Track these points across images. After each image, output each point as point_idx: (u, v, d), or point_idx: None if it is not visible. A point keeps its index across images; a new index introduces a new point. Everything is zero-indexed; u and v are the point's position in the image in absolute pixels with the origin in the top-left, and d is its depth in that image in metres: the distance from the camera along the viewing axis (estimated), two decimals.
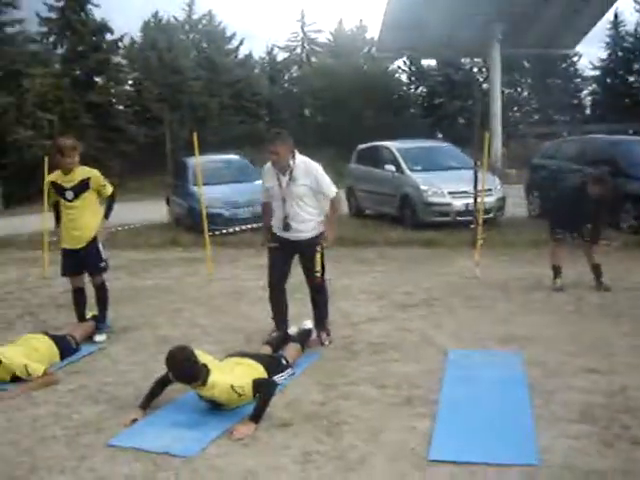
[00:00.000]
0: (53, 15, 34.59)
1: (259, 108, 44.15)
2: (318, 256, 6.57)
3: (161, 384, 5.20)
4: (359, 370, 5.94)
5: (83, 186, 7.10)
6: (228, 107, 41.21)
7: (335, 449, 4.43)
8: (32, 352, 6.16)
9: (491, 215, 14.11)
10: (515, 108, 48.25)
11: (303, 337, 6.50)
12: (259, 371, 5.35)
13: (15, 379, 5.84)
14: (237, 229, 14.46)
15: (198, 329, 7.51)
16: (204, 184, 15.56)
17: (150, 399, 5.16)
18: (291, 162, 6.36)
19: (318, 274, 6.61)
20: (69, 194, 7.11)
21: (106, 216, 7.40)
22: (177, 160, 18.54)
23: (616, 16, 44.96)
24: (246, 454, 4.38)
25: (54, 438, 4.75)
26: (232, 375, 5.04)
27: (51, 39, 34.98)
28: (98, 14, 35.50)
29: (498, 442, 4.45)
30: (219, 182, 15.44)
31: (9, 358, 5.87)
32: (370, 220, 16.59)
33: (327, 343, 6.63)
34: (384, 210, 16.29)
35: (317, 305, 6.83)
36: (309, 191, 6.41)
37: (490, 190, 14.27)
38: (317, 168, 6.48)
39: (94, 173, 7.23)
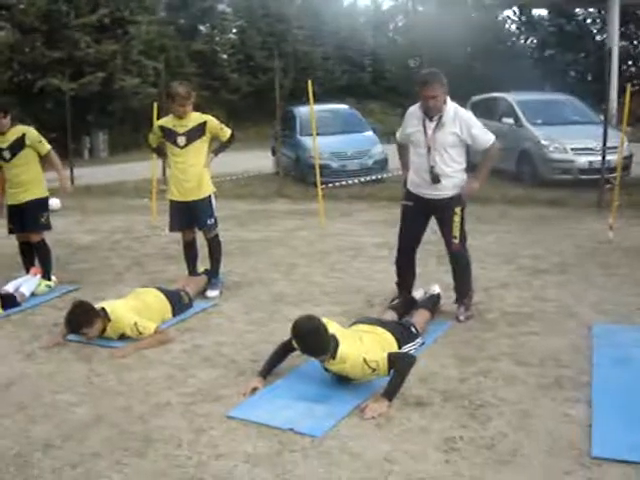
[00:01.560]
0: None
1: (363, 58, 43.15)
2: (457, 219, 5.86)
3: (283, 351, 4.78)
4: (497, 343, 5.37)
5: (198, 131, 6.68)
6: (332, 57, 40.36)
7: (482, 436, 3.90)
8: (143, 308, 5.85)
9: (614, 174, 13.10)
10: (630, 62, 45.63)
11: (431, 303, 5.94)
12: (389, 341, 4.86)
13: (124, 337, 5.54)
14: (346, 182, 13.89)
15: (315, 287, 7.06)
16: (310, 135, 15.16)
17: (271, 366, 4.74)
18: (442, 107, 5.67)
19: (456, 240, 5.90)
20: (181, 140, 6.69)
21: (216, 152, 7.02)
22: (284, 109, 18.09)
23: None
24: (381, 437, 3.90)
25: (169, 405, 4.39)
26: (363, 346, 4.53)
27: None
28: None
29: None
30: (327, 133, 14.88)
31: (118, 316, 5.56)
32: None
33: (462, 319, 5.92)
34: (500, 166, 15.41)
35: (455, 275, 6.12)
36: (457, 141, 5.72)
37: (616, 147, 13.27)
38: (469, 116, 5.83)
39: (209, 117, 6.81)
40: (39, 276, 7.16)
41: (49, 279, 7.25)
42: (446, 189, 5.80)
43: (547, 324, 5.80)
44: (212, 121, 6.79)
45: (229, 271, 7.54)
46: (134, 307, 5.78)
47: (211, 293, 6.81)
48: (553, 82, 40.41)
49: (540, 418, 4.11)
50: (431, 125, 5.68)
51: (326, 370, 4.55)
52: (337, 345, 4.41)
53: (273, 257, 8.48)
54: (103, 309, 5.60)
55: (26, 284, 6.96)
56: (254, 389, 4.50)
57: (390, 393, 4.25)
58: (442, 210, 5.87)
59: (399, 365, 4.34)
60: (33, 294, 6.94)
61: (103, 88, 24.92)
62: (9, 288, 6.85)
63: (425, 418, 4.11)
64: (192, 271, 7.08)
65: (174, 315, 6.13)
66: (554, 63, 43.67)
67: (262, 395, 4.45)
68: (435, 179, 5.72)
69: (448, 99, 5.70)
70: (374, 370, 4.33)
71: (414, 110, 5.83)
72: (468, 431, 3.95)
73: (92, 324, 5.45)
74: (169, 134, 6.71)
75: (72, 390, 4.68)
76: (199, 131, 6.68)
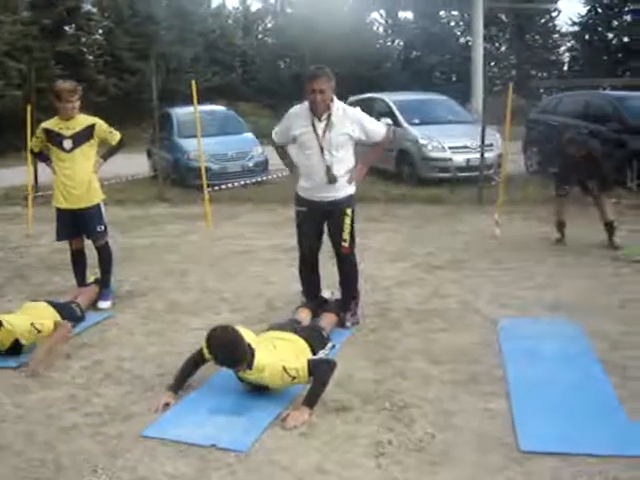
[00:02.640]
0: None
1: (233, 59, 42.86)
2: (348, 220, 5.68)
3: (194, 363, 4.55)
4: (405, 342, 5.35)
5: (85, 134, 6.33)
6: (201, 58, 39.88)
7: (409, 439, 3.83)
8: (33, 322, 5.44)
9: (491, 171, 13.50)
10: (493, 63, 47.39)
11: (337, 306, 5.82)
12: (302, 347, 4.71)
13: (14, 348, 5.14)
14: (229, 185, 13.64)
15: (212, 294, 6.83)
16: (188, 137, 14.86)
17: (182, 380, 4.50)
18: (330, 105, 5.52)
19: (346, 243, 5.72)
20: (67, 143, 6.31)
21: (104, 157, 6.66)
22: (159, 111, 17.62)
23: None
24: (309, 447, 3.76)
25: (76, 428, 4.08)
26: (278, 354, 4.38)
27: None
28: None
29: (593, 429, 3.89)
30: (206, 134, 14.50)
31: (9, 320, 5.17)
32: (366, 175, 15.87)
33: (349, 324, 5.73)
34: (380, 166, 15.59)
35: (342, 279, 5.93)
36: (348, 141, 5.55)
37: (491, 145, 13.68)
38: (357, 111, 5.70)
39: (97, 120, 6.47)
40: None
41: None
42: (338, 190, 5.61)
43: (452, 320, 5.83)
44: (100, 124, 6.45)
45: (120, 280, 7.19)
46: (24, 321, 5.37)
47: (103, 304, 6.46)
48: (420, 83, 41.51)
49: (463, 415, 4.10)
50: (321, 125, 5.48)
51: (241, 380, 4.37)
52: (253, 354, 4.24)
53: (164, 264, 8.17)
54: None
55: None
56: (166, 405, 4.26)
57: (311, 400, 4.11)
58: (333, 212, 5.67)
59: (320, 371, 4.21)
60: None
61: None
62: None
63: (349, 424, 4.01)
64: (81, 282, 6.70)
65: None
66: (420, 64, 44.83)
67: (176, 411, 4.21)
68: (332, 180, 5.51)
69: (335, 98, 5.55)
70: (294, 378, 4.18)
71: (300, 110, 5.61)
72: (395, 434, 3.87)
73: None
74: (54, 137, 6.31)
75: None
76: (87, 134, 6.33)
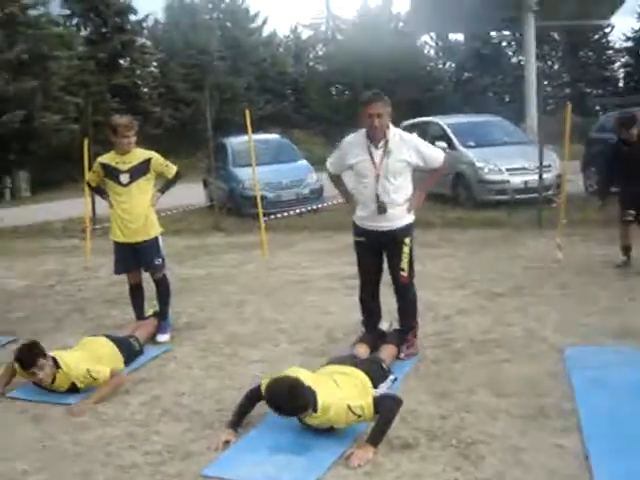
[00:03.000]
0: None
1: (285, 87, 43.27)
2: (407, 249, 5.54)
3: (251, 400, 4.44)
4: (469, 374, 5.17)
5: (142, 168, 6.33)
6: (254, 87, 40.33)
7: (478, 478, 3.67)
8: (93, 359, 5.42)
9: (550, 192, 13.23)
10: (546, 82, 46.89)
11: (396, 337, 5.68)
12: (363, 381, 4.58)
13: (74, 389, 5.13)
14: (286, 213, 13.62)
15: (270, 325, 6.75)
16: (243, 166, 14.92)
17: (241, 417, 4.40)
18: (387, 131, 5.42)
19: (404, 272, 5.57)
20: (124, 177, 6.33)
21: (161, 190, 6.65)
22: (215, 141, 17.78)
23: None
24: None
25: (136, 467, 4.01)
26: (340, 391, 4.26)
27: (74, 21, 34.24)
28: None
29: None
30: (260, 163, 14.59)
31: (68, 363, 5.15)
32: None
33: (403, 356, 5.55)
34: (436, 190, 15.42)
35: (400, 309, 5.77)
36: (406, 168, 5.43)
37: (549, 166, 13.43)
38: (414, 137, 5.60)
39: (154, 154, 6.48)
40: None
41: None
42: (396, 218, 5.47)
43: (516, 350, 5.64)
44: (157, 158, 6.46)
45: (177, 312, 7.15)
46: (84, 358, 5.37)
47: (162, 337, 6.43)
48: (473, 104, 41.27)
49: (533, 452, 3.92)
50: (378, 152, 5.36)
51: (305, 425, 4.23)
52: (315, 397, 4.10)
53: (220, 295, 8.14)
54: (53, 358, 5.19)
55: None
56: (226, 442, 4.17)
57: (376, 439, 3.97)
58: (392, 241, 5.54)
59: (385, 408, 4.08)
60: None
61: (23, 126, 24.13)
62: None
63: (415, 462, 3.86)
64: (140, 315, 6.69)
65: (126, 364, 5.71)
66: (472, 86, 44.62)
67: (236, 449, 4.11)
68: (381, 209, 5.39)
69: (391, 124, 5.45)
70: (360, 416, 4.06)
71: (355, 138, 5.50)
72: (463, 474, 3.71)
73: (41, 366, 5.04)
74: (111, 171, 6.34)
75: (23, 457, 4.25)
76: (143, 168, 6.34)
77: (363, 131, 5.44)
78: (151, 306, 6.83)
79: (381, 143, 5.37)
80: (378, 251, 5.62)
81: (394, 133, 5.42)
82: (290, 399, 4.02)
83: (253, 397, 4.44)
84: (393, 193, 5.41)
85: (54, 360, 5.16)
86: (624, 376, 4.97)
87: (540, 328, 6.17)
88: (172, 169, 6.55)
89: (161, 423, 4.61)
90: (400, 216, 5.49)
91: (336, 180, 5.91)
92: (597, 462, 3.74)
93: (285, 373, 4.31)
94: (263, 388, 4.27)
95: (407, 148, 5.41)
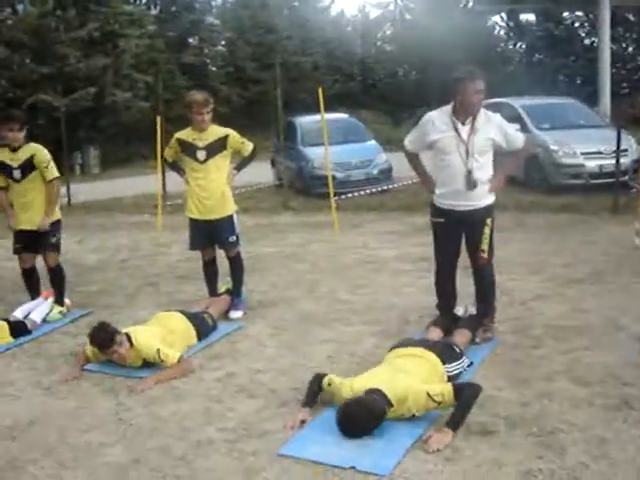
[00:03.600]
0: None
1: (352, 67, 42.93)
2: (487, 230, 5.47)
3: (319, 383, 4.41)
4: (549, 360, 5.05)
5: (219, 145, 6.34)
6: (321, 67, 40.14)
7: (561, 467, 3.57)
8: (167, 334, 5.48)
9: (626, 178, 12.85)
10: (619, 65, 45.61)
11: (472, 322, 5.57)
12: (433, 362, 4.53)
13: (148, 364, 5.17)
14: (356, 193, 13.55)
15: (342, 305, 6.71)
16: (313, 145, 14.88)
17: (314, 395, 4.38)
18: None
19: (485, 254, 5.50)
20: (201, 154, 6.34)
21: (238, 168, 6.65)
22: (284, 120, 17.78)
23: None
24: (453, 472, 3.56)
25: (212, 443, 4.02)
26: (412, 376, 4.21)
27: (144, 0, 34.61)
28: None
29: None
30: (330, 143, 14.49)
31: (141, 342, 5.19)
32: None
33: (479, 340, 5.45)
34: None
35: (478, 292, 5.71)
36: (491, 147, 5.34)
37: (626, 150, 13.03)
38: (501, 118, 5.45)
39: (231, 131, 6.47)
40: (51, 300, 6.77)
41: (62, 304, 6.86)
42: (480, 198, 5.40)
43: (595, 338, 5.48)
44: (234, 135, 6.44)
45: (249, 290, 7.15)
46: (157, 333, 5.42)
47: (235, 314, 6.45)
48: (544, 86, 40.44)
49: (617, 444, 3.79)
50: (465, 129, 5.27)
51: None
52: (387, 398, 4.01)
53: (292, 273, 8.14)
54: (126, 334, 5.25)
55: (37, 310, 6.59)
56: (302, 422, 4.15)
57: (456, 423, 3.90)
58: (473, 222, 5.46)
59: (465, 395, 4.01)
60: (44, 320, 6.55)
61: (94, 103, 24.50)
62: (18, 314, 6.48)
63: (494, 449, 3.78)
64: (213, 291, 6.72)
65: (199, 340, 5.76)
66: (543, 67, 43.64)
67: (312, 429, 4.09)
68: (473, 185, 5.29)
69: None
70: (440, 403, 4.00)
71: (439, 115, 5.39)
72: (546, 462, 3.61)
73: (120, 343, 5.10)
74: (188, 148, 6.36)
75: (101, 429, 4.31)
76: (220, 145, 6.34)
77: (448, 107, 5.35)
78: (225, 283, 6.85)
79: (468, 120, 5.28)
80: (458, 232, 5.53)
81: (481, 112, 5.31)
82: (366, 421, 3.94)
83: (321, 378, 4.41)
84: (478, 170, 5.32)
85: (127, 336, 5.22)
86: None
87: (619, 316, 5.98)
88: (249, 146, 6.53)
89: (236, 400, 4.62)
90: (483, 196, 5.41)
91: (414, 159, 5.79)
92: None
93: (342, 391, 4.20)
94: (324, 386, 4.32)
95: (493, 127, 5.33)
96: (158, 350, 5.13)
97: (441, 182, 5.48)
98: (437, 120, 5.39)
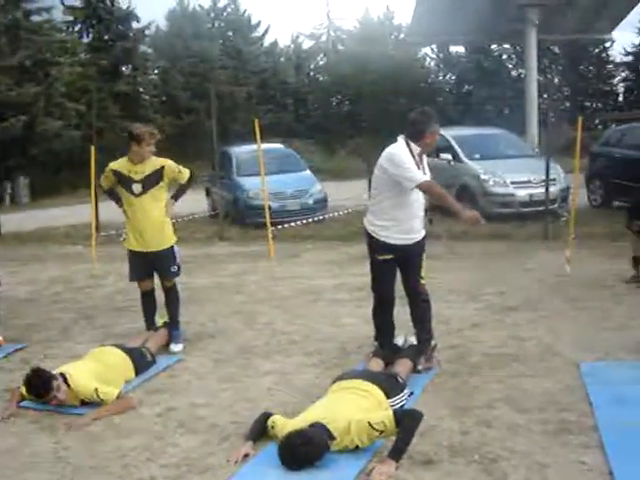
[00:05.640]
0: (78, 3, 33.86)
1: (285, 97, 43.24)
2: (424, 257, 5.65)
3: (265, 421, 4.38)
4: (487, 388, 5.12)
5: (155, 177, 6.27)
6: (255, 96, 40.34)
7: None
8: (104, 369, 5.38)
9: (555, 206, 13.23)
10: (546, 95, 46.91)
11: (412, 352, 5.62)
12: (377, 396, 4.53)
13: (86, 402, 5.06)
14: (292, 223, 13.58)
15: (282, 336, 6.70)
16: (248, 175, 14.89)
17: (258, 432, 4.34)
18: None
19: (423, 281, 5.64)
20: (137, 187, 6.25)
21: (175, 197, 6.58)
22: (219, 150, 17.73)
23: None
24: None
25: None
26: (355, 409, 4.22)
27: (77, 28, 34.26)
28: (124, 2, 34.85)
29: None
30: (265, 173, 14.56)
31: (77, 382, 5.06)
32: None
33: (421, 368, 5.49)
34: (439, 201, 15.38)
35: (417, 320, 5.74)
36: None
37: (554, 180, 13.42)
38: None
39: (167, 161, 6.41)
40: None
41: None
42: (421, 230, 5.60)
43: (533, 365, 5.59)
44: (170, 165, 6.39)
45: (187, 322, 7.07)
46: (94, 370, 5.30)
47: (175, 347, 6.36)
48: (473, 117, 41.34)
49: (557, 468, 3.87)
50: (421, 167, 5.40)
51: None
52: (328, 431, 4.01)
53: (230, 304, 8.09)
54: (62, 374, 5.12)
55: None
56: (246, 456, 4.11)
57: (398, 453, 3.92)
58: (414, 253, 5.57)
59: (406, 423, 4.03)
60: None
61: (25, 131, 24.08)
62: None
63: (439, 478, 3.81)
64: (150, 324, 6.62)
65: (137, 375, 5.66)
66: (472, 98, 44.66)
67: (256, 463, 4.05)
68: (431, 220, 5.52)
69: None
70: (382, 432, 4.01)
71: (406, 151, 5.34)
72: None
73: (57, 388, 4.97)
74: (124, 181, 6.26)
75: (39, 468, 4.18)
76: (157, 177, 6.27)
77: (403, 145, 5.38)
78: (161, 316, 6.77)
79: (422, 158, 5.46)
80: (397, 265, 5.60)
81: None
82: (307, 456, 3.89)
83: (268, 416, 4.38)
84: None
85: (63, 377, 5.09)
86: None
87: (555, 342, 6.13)
88: (185, 174, 6.49)
89: (177, 435, 4.55)
90: (422, 227, 5.63)
91: (438, 187, 5.40)
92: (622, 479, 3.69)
93: (285, 430, 4.14)
94: (269, 428, 4.29)
95: (427, 165, 5.54)
96: (96, 389, 5.01)
97: (398, 218, 5.44)
98: (409, 155, 5.36)
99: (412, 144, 5.33)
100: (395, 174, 5.27)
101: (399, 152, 5.32)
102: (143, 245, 6.32)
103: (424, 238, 5.62)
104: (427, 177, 5.34)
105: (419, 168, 5.31)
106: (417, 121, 5.34)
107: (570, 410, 4.66)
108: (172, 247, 6.46)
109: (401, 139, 5.38)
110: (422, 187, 5.25)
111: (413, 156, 5.30)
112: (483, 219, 5.36)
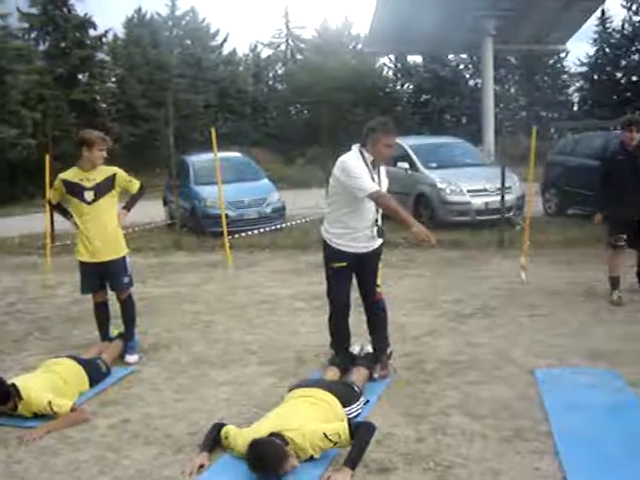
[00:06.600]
0: (34, 10, 33.42)
1: (244, 106, 43.14)
2: (380, 267, 5.68)
3: (219, 431, 4.36)
4: (443, 395, 5.15)
5: (107, 185, 6.20)
6: (213, 105, 40.20)
7: None
8: (57, 381, 5.29)
9: (511, 214, 13.39)
10: (502, 105, 47.55)
11: (368, 360, 5.63)
12: (332, 404, 4.53)
13: (39, 414, 4.97)
14: (250, 232, 13.52)
15: (238, 346, 6.66)
16: (205, 184, 14.82)
17: (213, 443, 4.31)
18: None
19: (379, 288, 5.68)
20: (89, 195, 6.16)
21: (127, 207, 6.53)
22: (176, 158, 17.61)
23: (603, 12, 44.26)
24: None
25: None
26: (310, 418, 4.22)
27: (33, 35, 33.80)
28: (81, 9, 34.43)
29: None
30: (222, 181, 14.47)
31: (30, 394, 4.96)
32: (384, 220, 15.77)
33: (377, 376, 5.52)
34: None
35: (374, 328, 5.77)
36: None
37: (510, 188, 13.59)
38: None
39: (118, 169, 6.35)
40: None
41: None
42: (378, 239, 5.58)
43: (488, 372, 5.64)
44: (121, 173, 6.33)
45: (142, 332, 7.01)
46: (47, 381, 5.22)
47: (131, 358, 6.28)
48: (430, 126, 41.71)
49: (511, 475, 3.91)
50: (376, 177, 5.38)
51: None
52: (288, 443, 4.00)
53: (186, 314, 8.02)
54: (14, 385, 5.03)
55: None
56: (201, 467, 4.07)
57: (353, 461, 3.92)
58: (372, 261, 5.59)
59: (361, 433, 4.04)
60: None
61: None
62: None
63: None
64: (105, 335, 6.54)
65: (91, 386, 5.58)
66: (430, 107, 45.07)
67: (211, 474, 4.02)
68: (381, 233, 5.48)
69: None
70: (336, 443, 4.02)
71: (360, 160, 5.33)
72: None
73: (5, 401, 4.89)
74: (75, 189, 6.15)
75: None
76: (109, 185, 6.20)
77: (357, 154, 5.37)
78: (116, 327, 6.69)
79: (377, 167, 5.43)
80: (352, 273, 5.60)
81: None
82: (273, 466, 3.86)
83: (215, 436, 4.35)
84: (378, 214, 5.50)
85: (15, 389, 5.00)
86: (597, 398, 5.00)
87: (510, 349, 6.19)
88: (136, 184, 6.45)
89: (131, 447, 4.49)
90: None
91: (389, 198, 5.35)
92: None
93: (239, 440, 4.15)
94: (222, 438, 4.27)
95: (384, 174, 5.55)
96: (49, 402, 4.93)
97: (351, 226, 5.43)
98: (362, 164, 5.34)
99: (366, 153, 5.33)
100: (347, 183, 5.26)
101: (351, 161, 5.31)
102: (95, 255, 6.21)
103: (381, 246, 5.63)
104: (378, 187, 5.30)
105: (373, 177, 5.32)
106: (371, 130, 5.35)
107: (524, 417, 4.71)
108: (124, 257, 6.38)
109: (355, 148, 5.39)
110: (372, 197, 5.22)
111: (367, 165, 5.30)
112: (434, 239, 5.26)
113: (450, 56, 44.34)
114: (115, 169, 6.37)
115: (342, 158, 5.38)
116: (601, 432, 4.42)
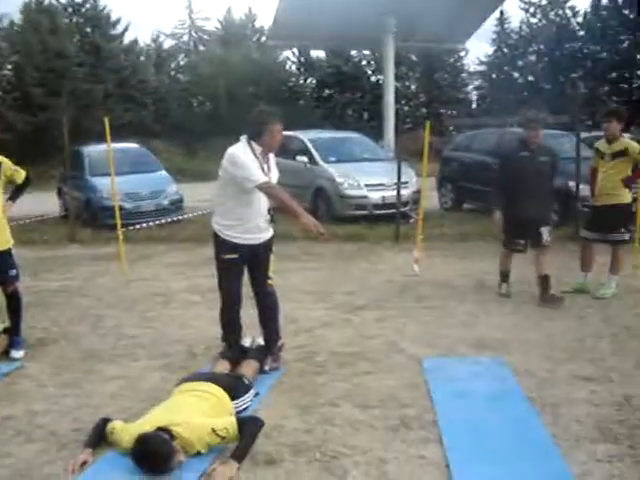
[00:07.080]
0: None
1: (145, 96, 42.33)
2: (272, 257, 5.70)
3: (104, 426, 4.27)
4: (332, 386, 5.20)
5: None
6: (113, 95, 39.30)
7: None
8: None
9: (407, 208, 13.64)
10: (404, 101, 48.35)
11: (260, 353, 5.63)
12: (221, 398, 4.51)
13: None
14: (145, 224, 13.31)
15: (129, 340, 6.54)
16: (101, 175, 14.49)
17: (98, 438, 4.22)
18: None
19: (271, 280, 5.70)
20: None
21: (12, 198, 6.34)
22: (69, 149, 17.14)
23: (502, 13, 45.57)
24: None
25: None
26: (198, 412, 4.20)
27: None
28: None
29: (531, 472, 3.83)
30: (119, 173, 14.12)
31: None
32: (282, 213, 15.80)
33: (268, 369, 5.53)
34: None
35: (266, 320, 5.77)
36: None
37: (407, 183, 13.84)
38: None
39: (3, 158, 6.14)
40: None
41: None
42: (269, 230, 5.61)
43: (377, 362, 5.73)
44: (6, 162, 6.13)
45: (30, 327, 6.80)
46: None
47: (16, 354, 6.07)
48: (332, 121, 41.94)
49: (396, 463, 3.97)
50: (266, 166, 5.37)
51: None
52: (174, 438, 3.96)
53: (76, 308, 7.82)
54: None
55: None
56: (84, 464, 3.98)
57: (240, 454, 3.91)
58: (263, 252, 5.60)
59: (249, 428, 4.05)
60: None
61: None
62: None
63: (279, 477, 3.83)
64: None
65: None
66: (333, 102, 45.36)
67: (94, 471, 3.94)
68: (272, 219, 5.53)
69: None
70: (224, 438, 4.00)
71: (248, 151, 5.29)
72: None
73: None
74: None
75: None
76: None
77: (244, 145, 5.34)
78: (1, 321, 6.47)
79: (266, 158, 5.42)
80: (244, 265, 5.58)
81: None
82: (160, 464, 3.84)
83: (107, 420, 4.29)
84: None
85: None
86: (482, 387, 5.15)
87: (400, 340, 6.30)
88: (21, 174, 6.26)
89: (13, 444, 4.35)
90: (269, 227, 5.62)
91: (278, 189, 5.35)
92: (457, 471, 3.84)
93: (125, 435, 4.09)
94: (108, 434, 4.19)
95: (274, 164, 5.56)
96: None
97: (242, 218, 5.41)
98: (251, 156, 5.31)
99: (254, 144, 5.32)
100: (235, 174, 5.24)
101: (239, 152, 5.28)
102: None
103: (272, 238, 5.64)
104: (267, 178, 5.29)
105: (263, 168, 5.31)
106: (255, 121, 5.34)
107: (411, 406, 4.80)
108: (10, 249, 6.17)
109: (243, 139, 5.37)
110: (261, 188, 5.22)
111: (256, 156, 5.29)
112: (322, 229, 5.31)
113: (353, 52, 44.77)
114: (1, 158, 6.16)
115: (230, 149, 5.34)
116: (484, 420, 4.55)
